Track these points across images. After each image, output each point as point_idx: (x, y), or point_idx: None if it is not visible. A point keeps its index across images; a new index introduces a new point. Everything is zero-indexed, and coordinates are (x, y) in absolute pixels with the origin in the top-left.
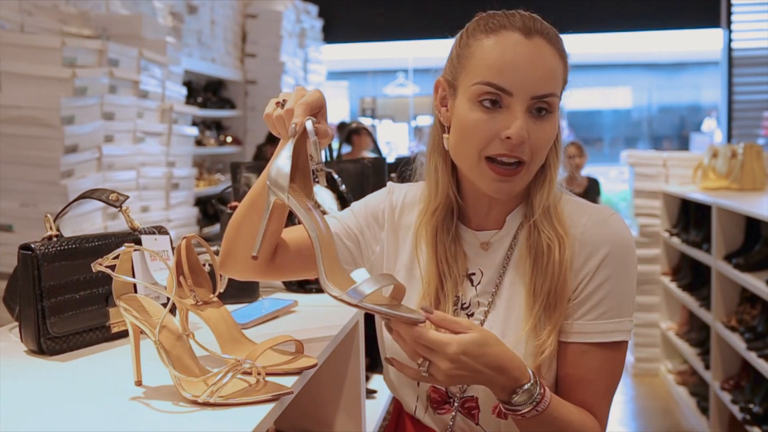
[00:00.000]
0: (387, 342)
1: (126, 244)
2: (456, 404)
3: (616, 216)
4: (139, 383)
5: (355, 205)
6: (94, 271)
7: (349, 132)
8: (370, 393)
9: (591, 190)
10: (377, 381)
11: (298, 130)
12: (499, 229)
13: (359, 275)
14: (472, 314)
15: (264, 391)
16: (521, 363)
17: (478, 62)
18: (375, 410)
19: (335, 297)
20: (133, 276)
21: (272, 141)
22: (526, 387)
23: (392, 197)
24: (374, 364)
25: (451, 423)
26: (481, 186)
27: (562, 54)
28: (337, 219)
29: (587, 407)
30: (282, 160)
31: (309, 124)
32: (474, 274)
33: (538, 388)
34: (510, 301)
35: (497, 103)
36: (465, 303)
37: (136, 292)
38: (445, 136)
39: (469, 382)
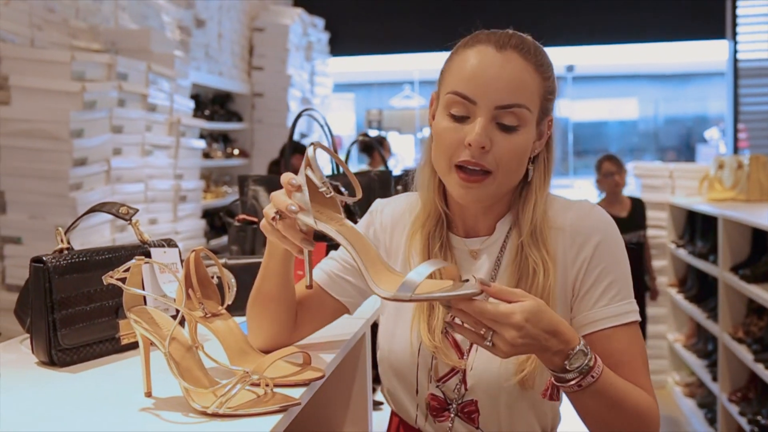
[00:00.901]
0: (387, 354)
1: (136, 257)
2: (454, 409)
3: (598, 207)
4: (149, 394)
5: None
6: (105, 283)
7: (368, 144)
8: (377, 405)
9: (636, 213)
10: None
11: (306, 161)
12: (489, 235)
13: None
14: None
15: (272, 403)
16: (570, 326)
17: (451, 74)
18: (381, 422)
19: (388, 298)
20: (143, 288)
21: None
22: (578, 348)
23: (381, 217)
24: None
25: (449, 429)
26: (452, 193)
27: (538, 69)
28: (333, 258)
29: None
30: (300, 196)
31: (310, 150)
32: (467, 280)
33: (589, 351)
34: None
35: (465, 116)
36: None
37: (145, 304)
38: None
39: (529, 351)
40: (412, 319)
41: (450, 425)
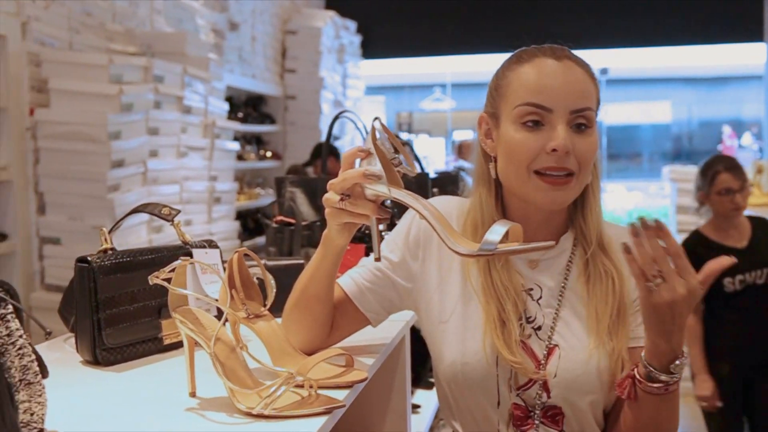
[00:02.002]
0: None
1: (182, 258)
2: (538, 416)
3: None
4: (193, 394)
5: (386, 245)
6: (150, 283)
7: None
8: (415, 407)
9: (761, 242)
10: (421, 395)
11: (372, 133)
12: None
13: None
14: (540, 327)
15: (316, 404)
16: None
17: (516, 88)
18: (419, 424)
19: (470, 255)
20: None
21: (316, 158)
22: (684, 359)
23: (424, 223)
24: (418, 378)
25: None
26: (536, 200)
27: (592, 77)
28: (365, 266)
29: None
30: (370, 167)
31: (377, 124)
32: (532, 289)
33: (686, 362)
34: (576, 315)
35: (539, 123)
36: (530, 316)
37: (188, 304)
38: (491, 164)
39: (659, 324)
40: (484, 331)
41: (526, 429)
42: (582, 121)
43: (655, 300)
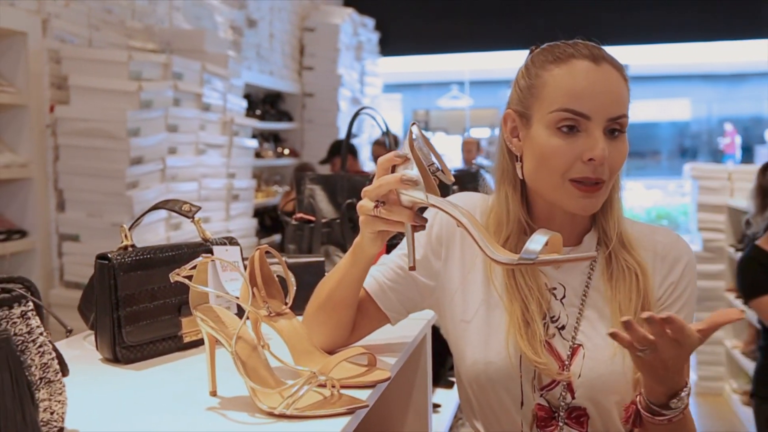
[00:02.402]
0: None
1: (203, 255)
2: (562, 418)
3: (680, 235)
4: (214, 393)
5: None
6: (171, 281)
7: None
8: (435, 407)
9: None
10: (440, 395)
11: (410, 138)
12: (573, 246)
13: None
14: (563, 327)
15: (339, 404)
16: (688, 370)
17: (553, 91)
18: (439, 424)
19: (510, 264)
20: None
21: (333, 155)
22: (686, 392)
23: (447, 221)
24: (437, 377)
25: None
26: (567, 205)
27: (625, 78)
28: (386, 264)
29: None
30: (408, 172)
31: (415, 129)
32: (555, 288)
33: (688, 392)
34: (600, 314)
35: (575, 128)
36: (554, 316)
37: (209, 302)
38: (518, 164)
39: (660, 375)
40: (507, 331)
41: (551, 430)
42: (616, 127)
43: (645, 361)
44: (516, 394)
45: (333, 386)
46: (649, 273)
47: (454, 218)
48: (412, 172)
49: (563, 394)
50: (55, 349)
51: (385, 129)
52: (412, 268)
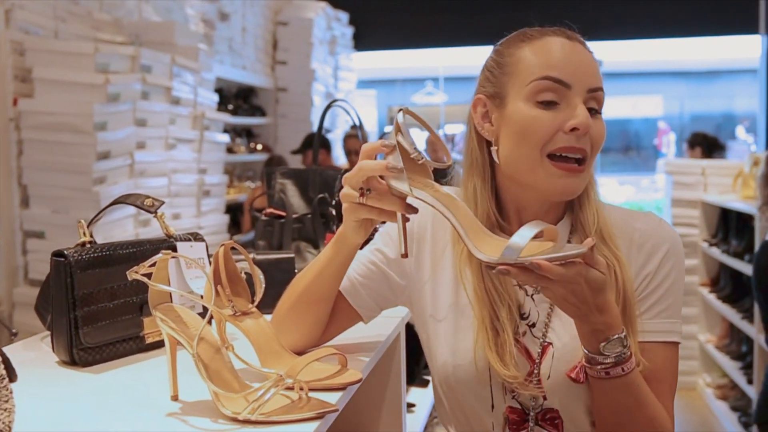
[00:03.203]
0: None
1: (163, 251)
2: (533, 418)
3: (664, 220)
4: (175, 398)
5: (380, 237)
6: (129, 279)
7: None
8: (409, 406)
9: None
10: (415, 394)
11: (396, 126)
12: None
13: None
14: (534, 324)
15: (307, 408)
16: (619, 315)
17: (528, 64)
18: (414, 423)
19: (492, 263)
20: (170, 284)
21: (307, 147)
22: (617, 336)
23: (419, 217)
24: (412, 376)
25: None
26: (547, 188)
27: (597, 60)
28: (358, 259)
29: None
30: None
31: (400, 116)
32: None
33: (628, 344)
34: None
35: (554, 103)
36: (524, 313)
37: (171, 301)
38: (494, 148)
39: (574, 311)
40: (475, 338)
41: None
42: (594, 105)
43: (552, 295)
44: (486, 397)
45: (301, 389)
46: (626, 265)
47: (440, 212)
48: (397, 161)
49: (535, 396)
50: (2, 353)
51: (358, 122)
52: (405, 256)
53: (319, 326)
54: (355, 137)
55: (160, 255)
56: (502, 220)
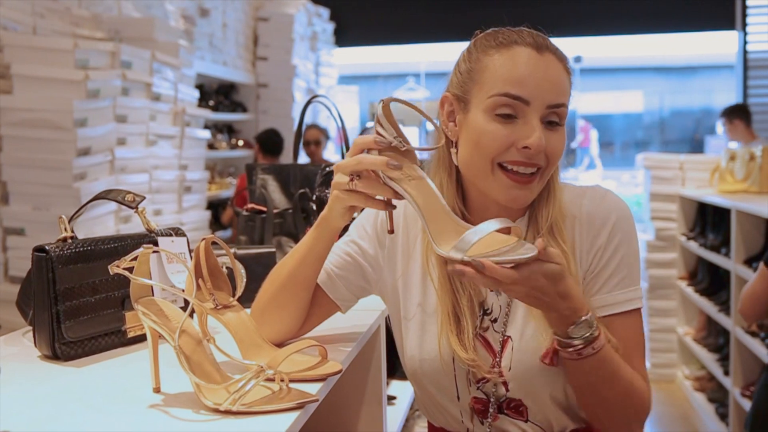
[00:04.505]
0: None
1: (144, 246)
2: (493, 405)
3: (611, 191)
4: (157, 390)
5: (354, 230)
6: (111, 273)
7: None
8: (390, 399)
9: None
10: (396, 387)
11: (377, 119)
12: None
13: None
14: (496, 320)
15: (288, 399)
16: (582, 298)
17: (493, 75)
18: (395, 417)
19: (444, 257)
20: (151, 278)
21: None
22: (584, 318)
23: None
24: (392, 369)
25: (488, 430)
26: (497, 195)
27: (568, 70)
28: (334, 251)
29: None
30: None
31: (379, 109)
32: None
33: (595, 323)
34: None
35: (512, 116)
36: (488, 309)
37: (153, 295)
38: (453, 150)
39: (538, 304)
40: (440, 328)
41: (490, 422)
42: (554, 119)
43: (513, 292)
44: (451, 389)
45: (282, 380)
46: (569, 255)
47: (408, 201)
48: (395, 160)
49: (497, 386)
50: None
51: (339, 117)
52: (391, 231)
53: (300, 314)
54: (314, 128)
55: (141, 249)
56: (468, 214)
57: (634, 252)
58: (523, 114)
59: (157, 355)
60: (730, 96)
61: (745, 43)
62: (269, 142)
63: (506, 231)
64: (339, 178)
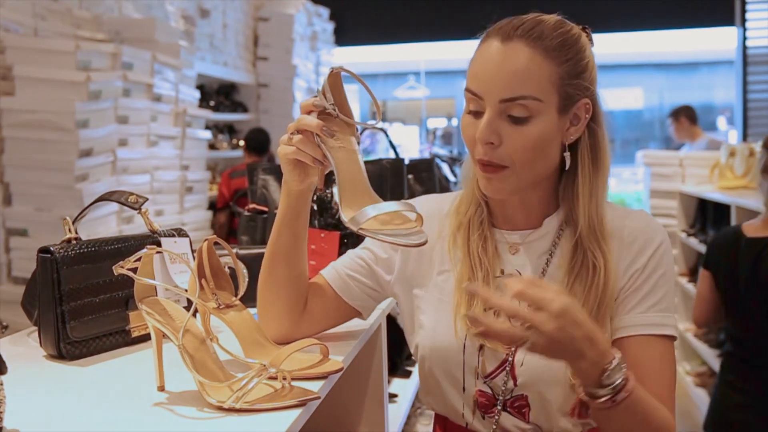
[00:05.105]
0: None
1: (148, 246)
2: (501, 403)
3: (654, 218)
4: (162, 389)
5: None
6: (115, 273)
7: None
8: (392, 397)
9: None
10: (398, 385)
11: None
12: (532, 229)
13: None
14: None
15: (290, 397)
16: (605, 337)
17: (468, 70)
18: (396, 414)
19: (346, 224)
20: (155, 278)
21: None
22: (615, 362)
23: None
24: (394, 367)
25: (494, 427)
26: (481, 187)
27: (550, 54)
28: (350, 256)
29: (660, 401)
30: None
31: (322, 80)
32: (511, 274)
33: (624, 365)
34: None
35: (480, 111)
36: None
37: (156, 295)
38: None
39: (564, 352)
40: (453, 316)
41: (497, 418)
42: (517, 111)
43: (540, 347)
44: (458, 379)
45: (284, 378)
46: (612, 267)
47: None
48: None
49: (506, 380)
50: None
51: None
52: (320, 190)
53: (296, 293)
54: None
55: (145, 250)
56: (492, 207)
57: (670, 280)
58: (484, 108)
59: (161, 354)
60: (730, 92)
61: (745, 38)
62: (254, 141)
63: (419, 220)
64: (284, 135)
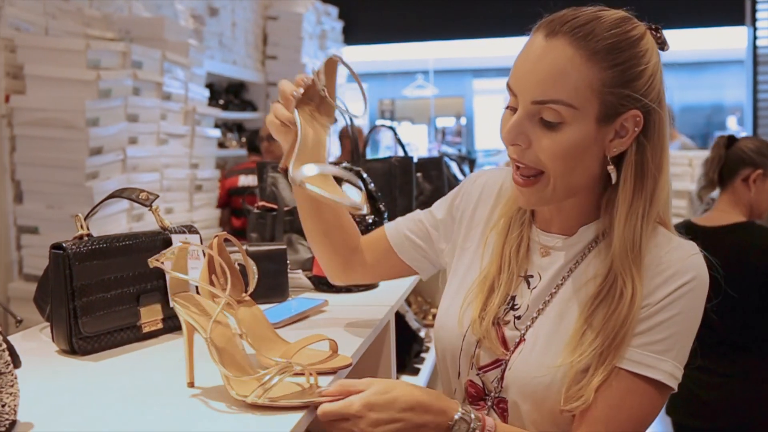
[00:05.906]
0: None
1: (181, 240)
2: (491, 399)
3: (700, 255)
4: (191, 384)
5: (436, 203)
6: (150, 267)
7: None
8: None
9: None
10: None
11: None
12: (566, 236)
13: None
14: (520, 317)
15: (317, 394)
16: (440, 394)
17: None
18: None
19: (290, 178)
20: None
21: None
22: (458, 416)
23: (471, 187)
24: (402, 365)
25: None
26: (514, 197)
27: (593, 57)
28: (411, 218)
29: None
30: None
31: (319, 65)
32: (532, 276)
33: (471, 413)
34: (562, 314)
35: (515, 108)
36: (517, 304)
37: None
38: None
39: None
40: (463, 302)
41: (485, 413)
42: (549, 115)
43: None
44: (456, 363)
45: (310, 374)
46: (639, 299)
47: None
48: (300, 91)
49: (496, 379)
50: (6, 341)
51: (348, 116)
52: (282, 169)
53: (340, 236)
54: (347, 136)
55: (178, 244)
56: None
57: (685, 325)
58: (518, 106)
59: (192, 349)
60: (740, 91)
61: (755, 38)
62: (253, 140)
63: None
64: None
